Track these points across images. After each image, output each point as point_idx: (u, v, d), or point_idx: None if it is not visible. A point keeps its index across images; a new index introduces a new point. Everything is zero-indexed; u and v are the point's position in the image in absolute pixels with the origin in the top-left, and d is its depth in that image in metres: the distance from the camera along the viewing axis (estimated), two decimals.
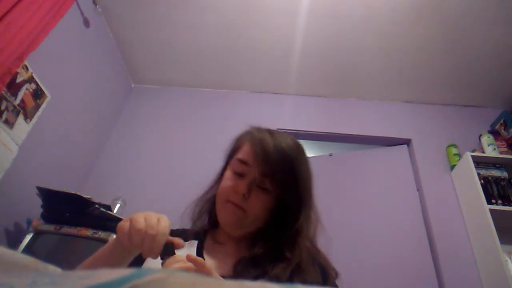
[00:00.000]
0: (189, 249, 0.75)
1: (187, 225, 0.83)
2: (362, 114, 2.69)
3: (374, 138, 2.61)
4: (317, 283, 0.65)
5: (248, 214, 0.71)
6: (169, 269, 0.52)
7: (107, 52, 2.51)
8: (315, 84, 2.72)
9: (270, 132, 0.76)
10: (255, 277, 0.64)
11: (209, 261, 0.72)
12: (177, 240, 0.59)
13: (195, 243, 0.77)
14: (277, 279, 0.63)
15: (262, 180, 0.71)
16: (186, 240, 0.77)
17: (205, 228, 0.81)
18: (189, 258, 0.54)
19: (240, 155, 0.75)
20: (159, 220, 0.57)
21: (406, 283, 1.95)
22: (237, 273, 0.67)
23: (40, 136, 1.88)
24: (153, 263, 0.70)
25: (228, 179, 0.74)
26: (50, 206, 1.71)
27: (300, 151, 0.76)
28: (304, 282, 0.64)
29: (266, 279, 0.63)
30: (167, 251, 0.57)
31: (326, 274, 0.71)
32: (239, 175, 0.73)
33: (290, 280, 0.63)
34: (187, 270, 0.52)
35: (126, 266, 0.65)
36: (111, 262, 0.63)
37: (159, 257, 0.57)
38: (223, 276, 0.65)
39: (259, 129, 0.77)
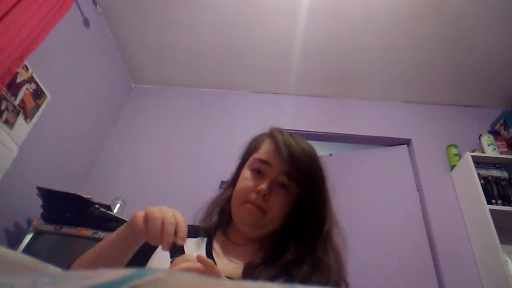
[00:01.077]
0: (198, 247, 0.74)
1: (198, 223, 0.82)
2: (362, 114, 2.69)
3: (374, 138, 2.61)
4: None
5: (267, 214, 0.70)
6: (177, 268, 0.52)
7: (107, 52, 2.51)
8: (315, 84, 2.72)
9: (289, 133, 0.77)
10: (268, 279, 0.63)
11: (219, 260, 0.71)
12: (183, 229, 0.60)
13: (204, 240, 0.76)
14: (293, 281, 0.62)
15: (283, 179, 0.70)
16: (196, 237, 0.77)
17: (216, 225, 0.80)
18: (199, 259, 0.53)
19: (259, 154, 0.75)
20: (174, 213, 0.60)
21: (406, 283, 1.95)
22: (248, 275, 0.65)
23: (40, 136, 1.88)
24: (160, 261, 0.70)
25: (247, 179, 0.73)
26: (50, 206, 1.71)
27: (315, 151, 0.77)
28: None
29: (281, 282, 0.63)
30: (177, 250, 0.57)
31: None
32: (258, 174, 0.72)
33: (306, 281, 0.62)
34: (196, 270, 0.52)
35: (130, 256, 0.65)
36: (116, 251, 0.64)
37: (168, 256, 0.57)
38: (232, 277, 0.65)
39: (280, 130, 0.77)
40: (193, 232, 0.77)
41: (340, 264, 0.71)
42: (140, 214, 0.59)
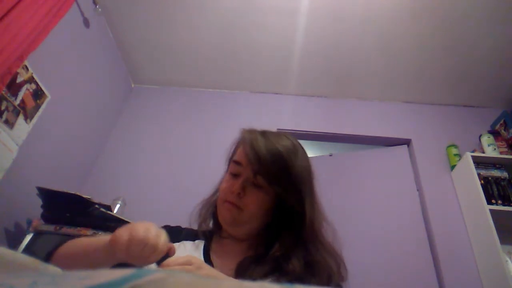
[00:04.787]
0: (196, 248, 0.77)
1: (193, 226, 0.85)
2: (362, 114, 2.69)
3: (374, 138, 2.61)
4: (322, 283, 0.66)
5: (243, 211, 0.73)
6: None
7: (107, 52, 2.51)
8: (315, 84, 2.72)
9: (262, 132, 0.78)
10: (259, 277, 0.65)
11: (216, 261, 0.74)
12: (171, 246, 0.60)
13: (202, 243, 0.80)
14: (288, 277, 0.63)
15: (254, 178, 0.73)
16: (194, 240, 0.80)
17: (212, 229, 0.84)
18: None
19: (235, 157, 0.79)
20: (158, 234, 0.59)
21: (406, 283, 1.95)
22: (239, 273, 0.68)
23: (40, 136, 1.88)
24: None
25: (226, 181, 0.78)
26: (50, 206, 1.71)
27: (294, 148, 0.77)
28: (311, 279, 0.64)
29: (272, 279, 0.64)
30: (161, 259, 0.59)
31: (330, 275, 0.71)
32: (234, 176, 0.76)
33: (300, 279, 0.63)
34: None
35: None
36: (96, 261, 0.64)
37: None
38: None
39: (250, 130, 0.79)
40: (191, 235, 0.81)
41: (331, 256, 0.73)
42: (124, 235, 0.58)
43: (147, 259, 0.57)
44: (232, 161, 0.79)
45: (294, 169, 0.73)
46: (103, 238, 0.64)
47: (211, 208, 0.84)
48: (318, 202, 0.78)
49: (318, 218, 0.75)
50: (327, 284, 0.67)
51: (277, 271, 0.66)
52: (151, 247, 0.56)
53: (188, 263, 0.57)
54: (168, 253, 0.60)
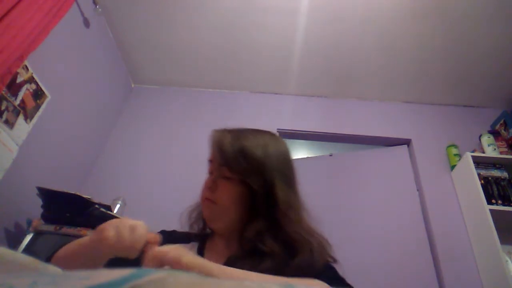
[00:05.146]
0: (190, 251, 0.77)
1: (185, 228, 0.86)
2: (362, 114, 2.69)
3: (374, 138, 2.61)
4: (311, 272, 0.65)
5: (218, 204, 0.76)
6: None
7: (107, 52, 2.51)
8: (315, 84, 2.72)
9: (230, 129, 0.81)
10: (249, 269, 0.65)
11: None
12: (152, 236, 0.61)
13: (196, 245, 0.81)
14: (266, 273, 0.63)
15: (222, 170, 0.76)
16: (189, 242, 0.81)
17: (205, 231, 0.85)
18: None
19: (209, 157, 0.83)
20: (134, 229, 0.60)
21: (406, 283, 1.95)
22: None
23: (40, 136, 1.88)
24: None
25: (204, 181, 0.82)
26: (50, 206, 1.71)
27: (259, 138, 0.79)
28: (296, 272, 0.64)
29: (259, 269, 0.64)
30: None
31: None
32: (210, 174, 0.81)
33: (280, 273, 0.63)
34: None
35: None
36: (88, 261, 0.65)
37: None
38: None
39: (218, 129, 0.82)
40: (186, 238, 0.82)
41: (310, 235, 0.73)
42: (111, 226, 0.60)
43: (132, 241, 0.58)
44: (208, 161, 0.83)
45: (256, 155, 0.75)
46: (88, 237, 0.66)
47: (199, 209, 0.86)
48: (294, 188, 0.79)
49: (294, 203, 0.76)
50: (312, 260, 0.68)
51: (263, 261, 0.67)
52: (138, 231, 0.59)
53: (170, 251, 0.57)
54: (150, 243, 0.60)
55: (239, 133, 0.79)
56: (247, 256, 0.70)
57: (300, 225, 0.73)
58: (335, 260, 0.74)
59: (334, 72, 2.60)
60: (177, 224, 0.90)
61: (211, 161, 0.80)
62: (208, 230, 0.86)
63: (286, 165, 0.80)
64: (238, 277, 0.57)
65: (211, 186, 0.77)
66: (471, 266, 1.98)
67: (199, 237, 0.83)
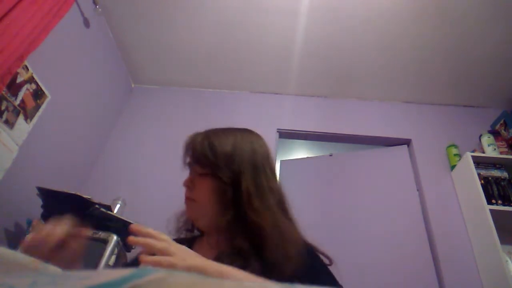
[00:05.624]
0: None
1: (172, 233, 0.86)
2: (362, 114, 2.69)
3: (374, 138, 2.61)
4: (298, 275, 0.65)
5: (197, 202, 0.78)
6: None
7: (107, 52, 2.51)
8: (315, 84, 2.72)
9: (201, 131, 0.85)
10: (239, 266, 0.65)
11: None
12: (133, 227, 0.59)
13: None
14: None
15: (195, 169, 0.80)
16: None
17: (194, 233, 0.87)
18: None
19: None
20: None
21: (406, 283, 1.95)
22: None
23: (40, 136, 1.88)
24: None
25: None
26: (50, 206, 1.71)
27: (228, 134, 0.82)
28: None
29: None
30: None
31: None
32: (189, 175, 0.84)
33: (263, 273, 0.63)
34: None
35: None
36: None
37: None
38: None
39: (193, 133, 0.86)
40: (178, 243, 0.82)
41: (280, 227, 0.71)
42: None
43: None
44: None
45: (223, 148, 0.77)
46: None
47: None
48: (263, 180, 0.77)
49: (260, 193, 0.74)
50: (285, 252, 0.66)
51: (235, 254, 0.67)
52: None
53: (157, 237, 0.57)
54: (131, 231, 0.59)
55: (209, 132, 0.83)
56: (236, 253, 0.69)
57: (266, 213, 0.72)
58: (330, 261, 0.74)
59: (334, 72, 2.60)
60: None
61: (189, 163, 0.83)
62: (196, 232, 0.87)
63: (257, 158, 0.79)
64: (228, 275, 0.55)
65: (189, 185, 0.80)
66: (471, 266, 1.98)
67: (188, 241, 0.83)
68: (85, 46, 2.22)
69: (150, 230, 0.57)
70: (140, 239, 0.56)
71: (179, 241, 0.82)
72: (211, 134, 0.81)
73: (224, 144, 0.78)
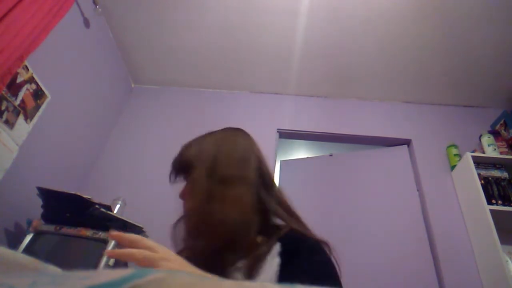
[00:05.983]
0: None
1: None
2: (362, 114, 2.69)
3: (374, 138, 2.61)
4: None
5: (188, 212, 0.79)
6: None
7: (107, 52, 2.51)
8: (315, 84, 2.72)
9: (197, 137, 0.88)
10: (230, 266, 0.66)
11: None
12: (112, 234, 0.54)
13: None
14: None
15: (180, 178, 0.85)
16: None
17: None
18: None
19: None
20: None
21: (406, 283, 1.95)
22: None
23: (40, 136, 1.88)
24: None
25: None
26: (50, 207, 1.71)
27: (202, 137, 0.88)
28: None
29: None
30: None
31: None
32: None
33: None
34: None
35: None
36: None
37: None
38: None
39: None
40: None
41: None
42: None
43: None
44: None
45: (188, 151, 0.84)
46: None
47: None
48: (217, 178, 0.75)
49: (207, 190, 0.74)
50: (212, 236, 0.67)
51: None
52: None
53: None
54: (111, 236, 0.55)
55: (189, 142, 0.88)
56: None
57: (212, 206, 0.71)
58: (329, 248, 0.75)
59: (334, 72, 2.60)
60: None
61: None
62: None
63: (218, 157, 0.78)
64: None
65: (181, 196, 0.84)
66: (471, 266, 1.98)
67: None
68: (85, 46, 2.22)
69: (132, 237, 0.51)
70: (117, 252, 0.49)
71: None
72: (187, 144, 0.87)
73: (190, 148, 0.85)
